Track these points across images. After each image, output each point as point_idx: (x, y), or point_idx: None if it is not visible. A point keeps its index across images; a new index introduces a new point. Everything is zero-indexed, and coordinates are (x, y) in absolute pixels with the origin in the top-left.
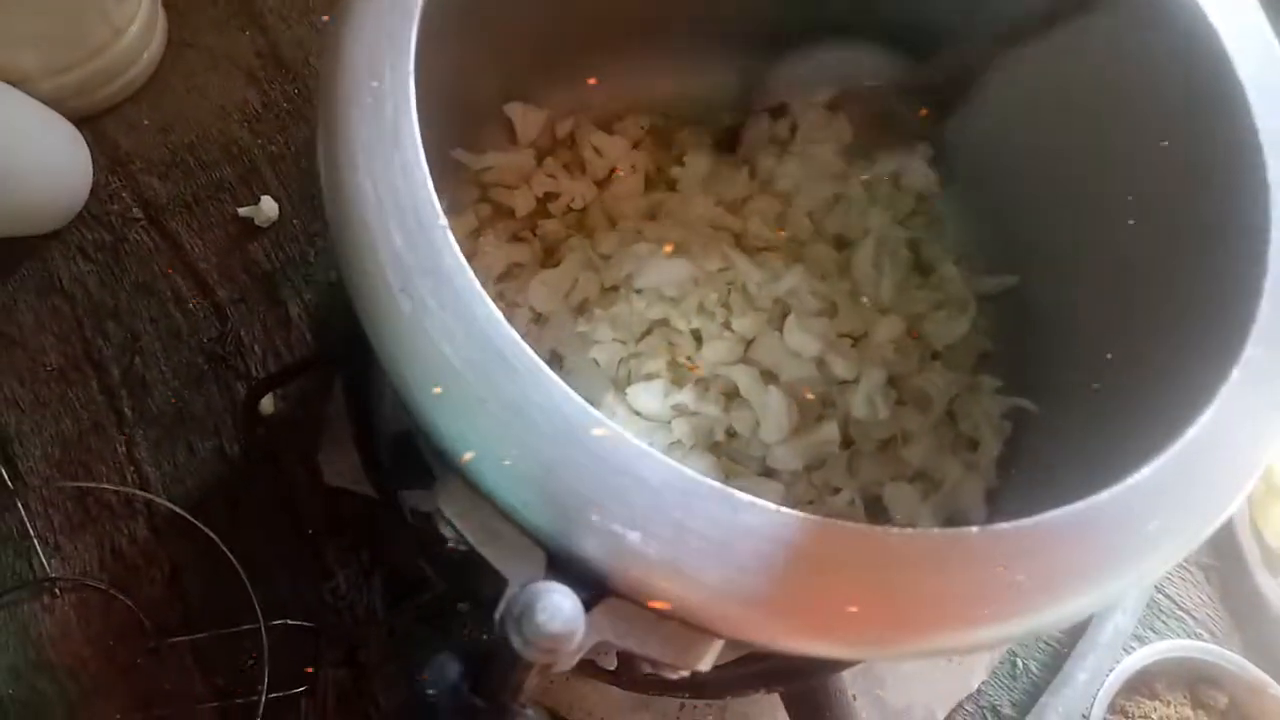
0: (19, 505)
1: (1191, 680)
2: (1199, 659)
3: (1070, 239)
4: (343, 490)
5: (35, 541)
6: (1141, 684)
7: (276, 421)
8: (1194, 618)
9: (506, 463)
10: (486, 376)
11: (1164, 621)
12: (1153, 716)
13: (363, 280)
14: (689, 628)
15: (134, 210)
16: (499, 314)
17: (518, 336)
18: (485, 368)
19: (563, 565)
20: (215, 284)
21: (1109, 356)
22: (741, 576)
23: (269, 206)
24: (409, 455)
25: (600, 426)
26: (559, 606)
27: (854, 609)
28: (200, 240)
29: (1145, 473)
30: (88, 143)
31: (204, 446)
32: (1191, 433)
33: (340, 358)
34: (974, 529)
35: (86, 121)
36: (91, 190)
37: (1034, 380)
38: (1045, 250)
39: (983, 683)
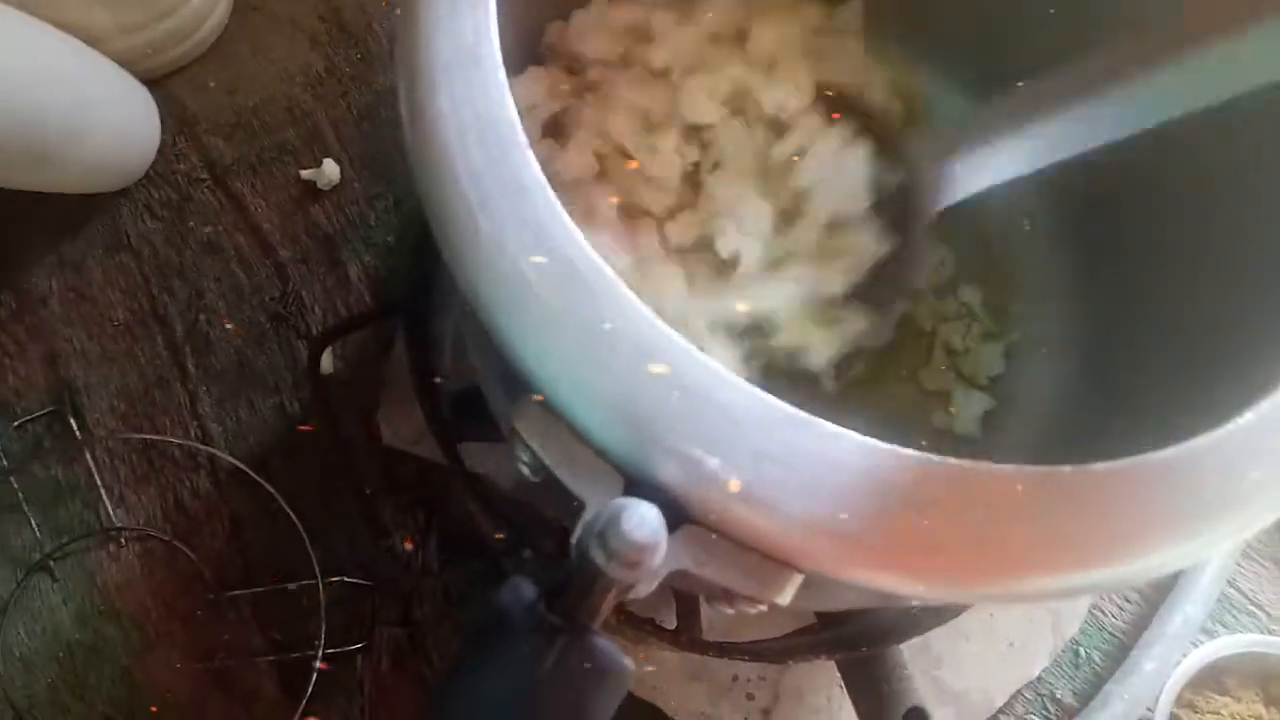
0: (87, 456)
1: (1265, 678)
2: (1274, 655)
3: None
4: (400, 451)
5: (102, 491)
6: (1211, 679)
7: (336, 381)
8: (1268, 614)
9: (584, 384)
10: (564, 296)
11: (1235, 616)
12: (1223, 713)
13: (442, 200)
14: (768, 559)
15: (200, 171)
16: (578, 233)
17: (596, 256)
18: (563, 287)
19: (641, 491)
20: (277, 244)
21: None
22: (823, 508)
23: (330, 169)
24: (473, 409)
25: (675, 350)
26: (645, 517)
27: (942, 547)
28: (264, 201)
29: (1248, 418)
30: (156, 103)
31: (265, 404)
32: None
33: (404, 311)
34: (1067, 469)
35: (155, 82)
36: (159, 150)
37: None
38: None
39: (1044, 670)
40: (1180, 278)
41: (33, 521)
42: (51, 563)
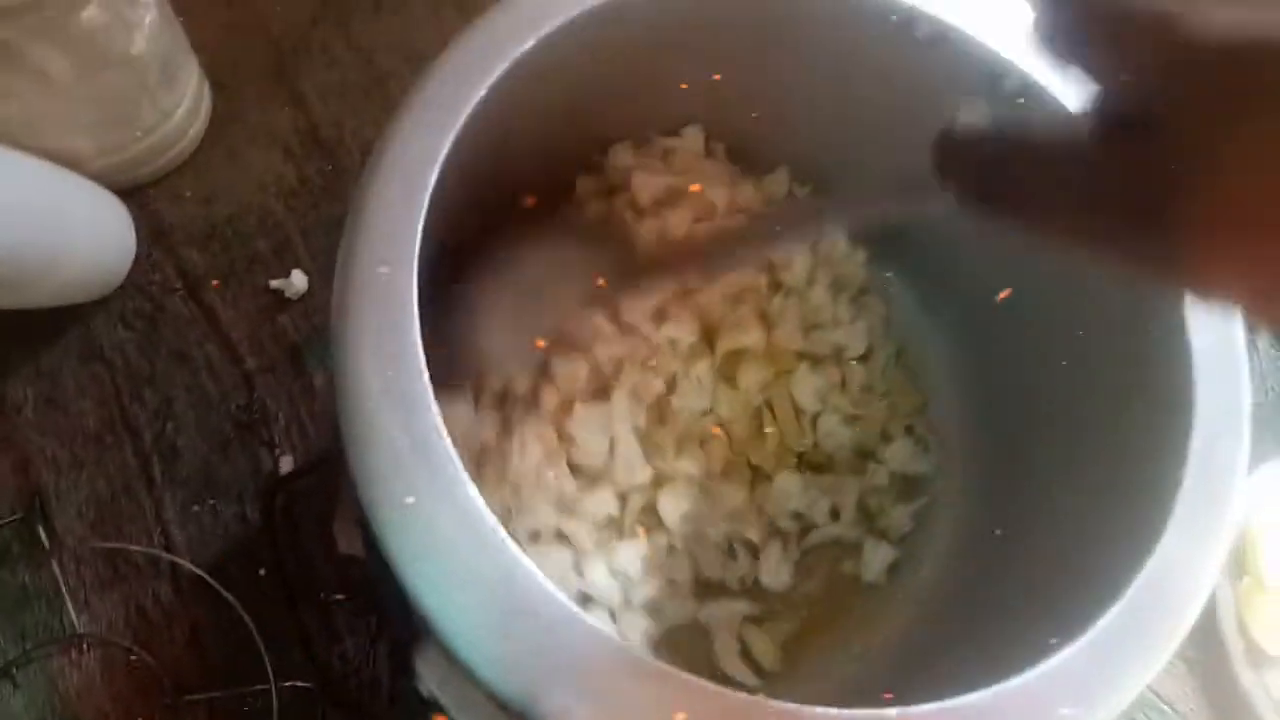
0: (53, 562)
1: None
2: None
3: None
4: (354, 557)
5: (67, 598)
6: None
7: (296, 489)
8: (1176, 710)
9: (477, 636)
10: (469, 560)
11: (1145, 714)
12: None
13: (362, 458)
14: None
15: (174, 281)
16: (482, 503)
17: (497, 523)
18: (468, 552)
19: None
20: (245, 353)
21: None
22: None
23: (299, 280)
24: None
25: (554, 604)
26: None
27: None
28: (234, 310)
29: (1062, 655)
30: (133, 214)
31: (227, 511)
32: (1103, 622)
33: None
34: (892, 711)
35: (132, 194)
36: (135, 260)
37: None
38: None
39: None
40: (1045, 493)
41: None
42: (14, 669)
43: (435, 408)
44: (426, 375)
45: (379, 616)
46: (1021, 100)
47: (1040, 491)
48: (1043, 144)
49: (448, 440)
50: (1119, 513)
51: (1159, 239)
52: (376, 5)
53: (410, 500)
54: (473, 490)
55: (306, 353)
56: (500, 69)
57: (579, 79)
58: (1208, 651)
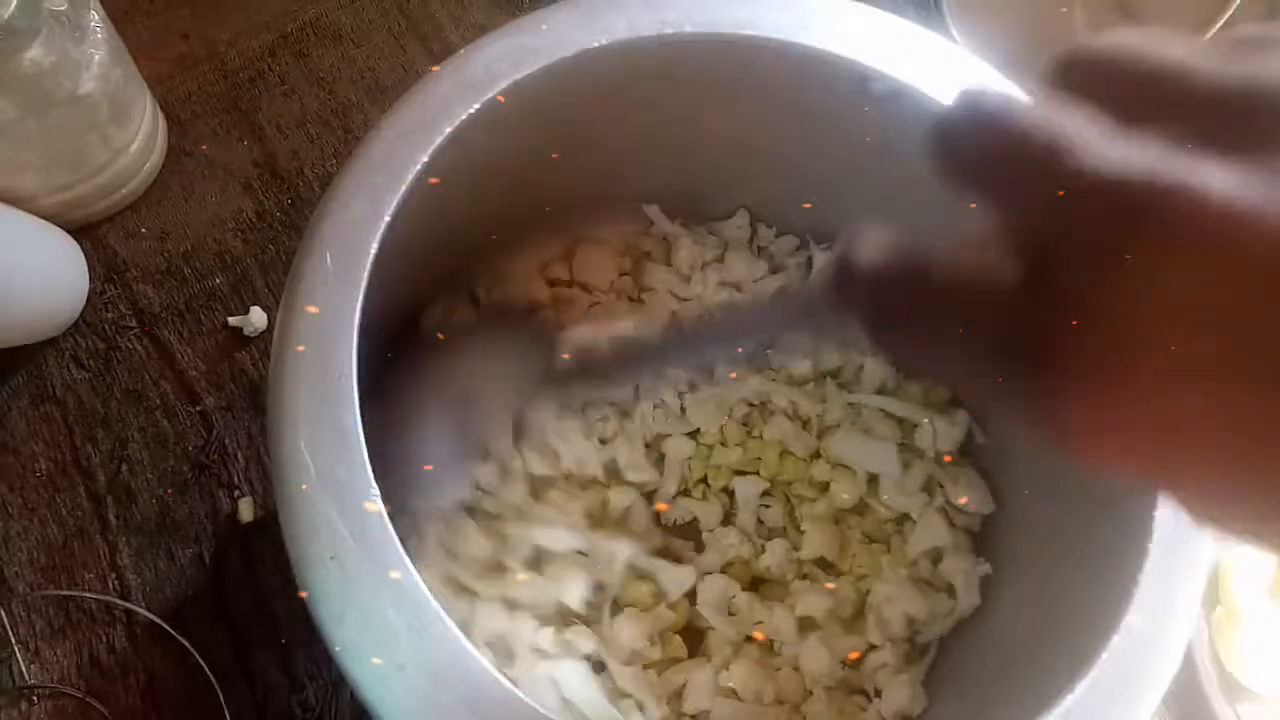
0: (2, 612)
1: None
2: None
3: None
4: None
5: (15, 648)
6: None
7: (255, 531)
8: None
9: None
10: (408, 645)
11: None
12: None
13: (299, 543)
14: None
15: (128, 318)
16: (424, 587)
17: (437, 606)
18: (407, 637)
19: None
20: (203, 392)
21: None
22: None
23: (258, 316)
24: None
25: (511, 701)
26: None
27: None
28: (190, 348)
29: None
30: (86, 251)
31: (184, 554)
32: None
33: None
34: None
35: (85, 230)
36: (88, 298)
37: None
38: None
39: None
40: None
41: None
42: None
43: (376, 491)
44: (365, 457)
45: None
46: None
47: (1015, 566)
48: (941, 276)
49: (389, 525)
50: (1088, 584)
51: (1041, 393)
52: (337, 35)
53: (345, 585)
54: (415, 575)
55: (265, 390)
56: (444, 132)
57: (525, 144)
58: (1183, 684)
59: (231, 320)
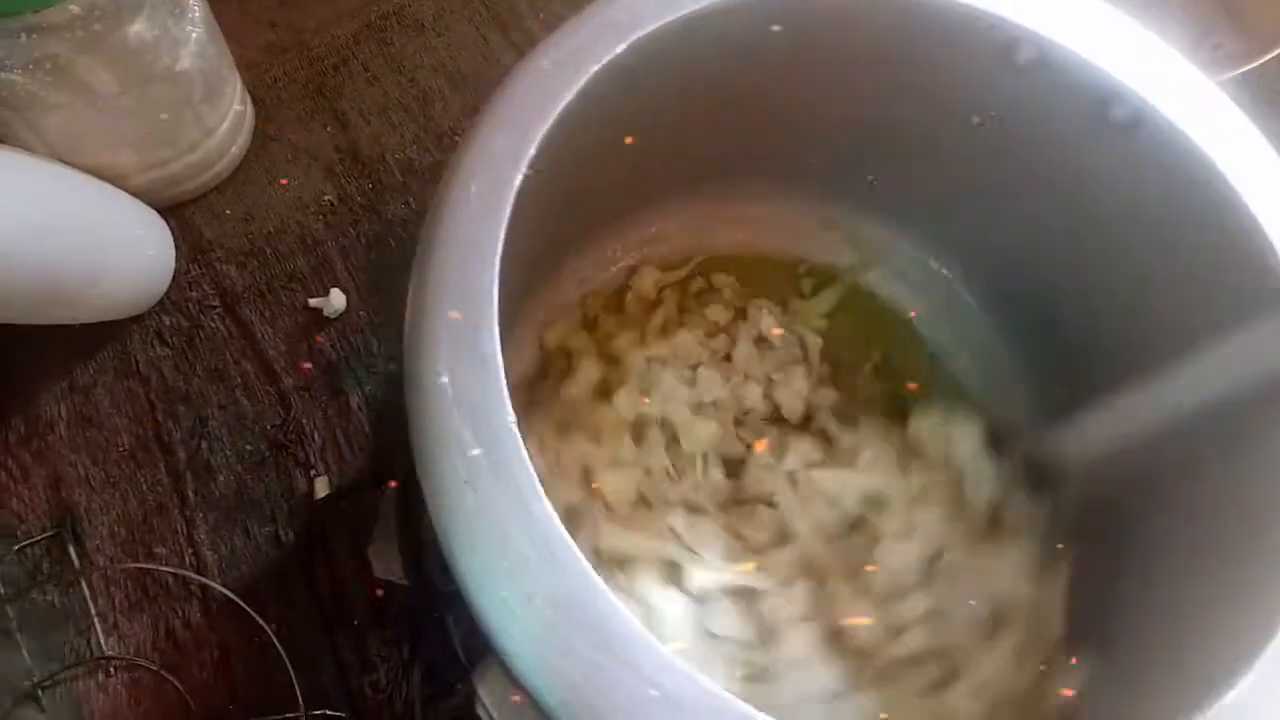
0: (83, 583)
1: None
2: None
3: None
4: (390, 583)
5: (95, 619)
6: None
7: (330, 511)
8: None
9: (545, 662)
10: (537, 574)
11: None
12: None
13: (433, 468)
14: None
15: (211, 298)
16: (555, 517)
17: (570, 540)
18: (537, 566)
19: None
20: (282, 372)
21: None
22: None
23: (337, 298)
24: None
25: (634, 635)
26: None
27: None
28: (271, 329)
29: None
30: (172, 230)
31: (260, 532)
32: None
33: (393, 470)
34: None
35: (173, 210)
36: (173, 276)
37: None
38: None
39: None
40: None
41: (24, 649)
42: (40, 691)
43: (512, 416)
44: (504, 380)
45: (413, 644)
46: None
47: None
48: None
49: (524, 451)
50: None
51: None
52: (419, 25)
53: (479, 511)
54: (547, 505)
55: (344, 372)
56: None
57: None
58: None
59: (312, 302)
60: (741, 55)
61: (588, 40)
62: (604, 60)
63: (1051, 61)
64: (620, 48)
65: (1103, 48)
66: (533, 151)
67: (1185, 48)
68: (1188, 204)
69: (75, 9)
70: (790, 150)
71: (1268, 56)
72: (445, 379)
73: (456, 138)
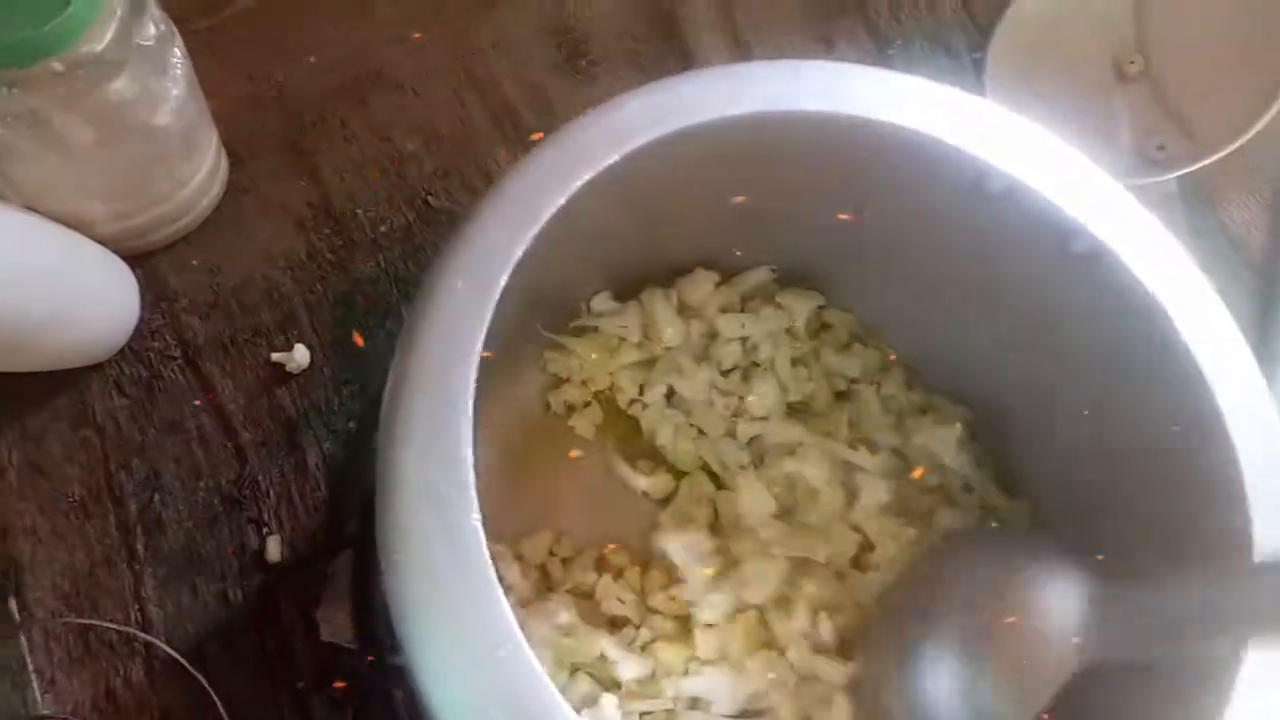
0: (22, 637)
1: None
2: None
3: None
4: (336, 645)
5: (32, 675)
6: None
7: (281, 571)
8: None
9: None
10: (490, 674)
11: None
12: None
13: (394, 554)
14: None
15: (173, 348)
16: (513, 618)
17: (525, 642)
18: (491, 667)
19: None
20: (240, 426)
21: None
22: None
23: (301, 354)
24: None
25: None
26: None
27: None
28: (231, 382)
29: None
30: (138, 280)
31: (208, 590)
32: None
33: (347, 532)
34: None
35: (140, 259)
36: (136, 325)
37: None
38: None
39: None
40: None
41: None
42: None
43: (477, 514)
44: (471, 478)
45: (357, 711)
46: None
47: None
48: None
49: (485, 551)
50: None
51: None
52: (398, 85)
53: (438, 605)
54: (505, 606)
55: (303, 429)
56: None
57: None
58: None
59: (275, 356)
60: (731, 167)
61: (583, 147)
62: (598, 168)
63: (1018, 195)
64: (614, 157)
65: (1063, 184)
66: (519, 253)
67: (1133, 150)
68: (1134, 332)
69: (58, 66)
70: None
71: (1208, 160)
72: (414, 470)
73: (429, 199)
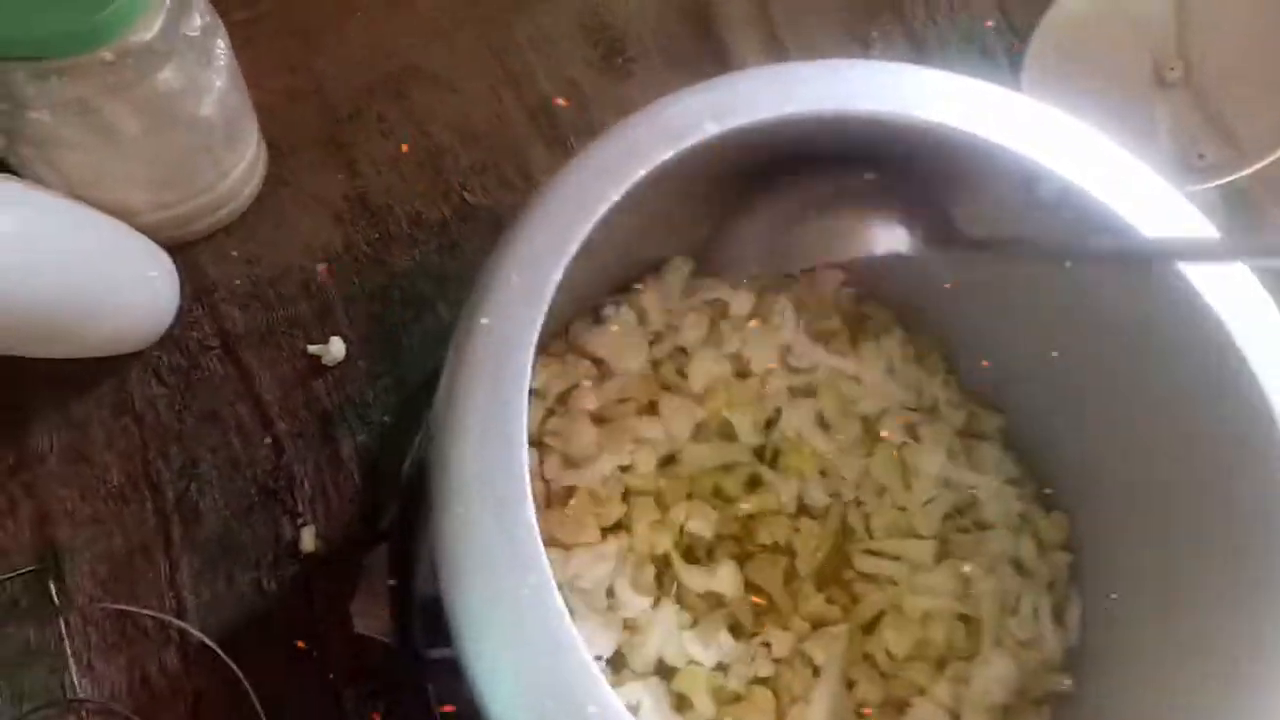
0: (60, 621)
1: None
2: None
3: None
4: (368, 638)
5: (70, 659)
6: None
7: (315, 562)
8: None
9: None
10: (540, 665)
11: None
12: None
13: (451, 553)
14: None
15: (211, 339)
16: (565, 611)
17: (576, 634)
18: (542, 656)
19: None
20: (276, 417)
21: None
22: None
23: (337, 347)
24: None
25: None
26: None
27: None
28: (269, 373)
29: None
30: (179, 269)
31: (243, 579)
32: None
33: (385, 531)
34: None
35: (180, 249)
36: (176, 315)
37: None
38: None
39: None
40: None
41: None
42: None
43: (531, 504)
44: (526, 472)
45: (389, 704)
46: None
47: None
48: None
49: (540, 547)
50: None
51: None
52: (435, 80)
53: (493, 600)
54: (558, 599)
55: (337, 421)
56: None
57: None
58: None
59: (311, 349)
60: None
61: (634, 144)
62: (651, 165)
63: (1072, 199)
64: (668, 154)
65: (1117, 187)
66: (574, 249)
67: (1173, 157)
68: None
69: (108, 55)
70: None
71: (1249, 169)
72: (471, 464)
73: (466, 194)
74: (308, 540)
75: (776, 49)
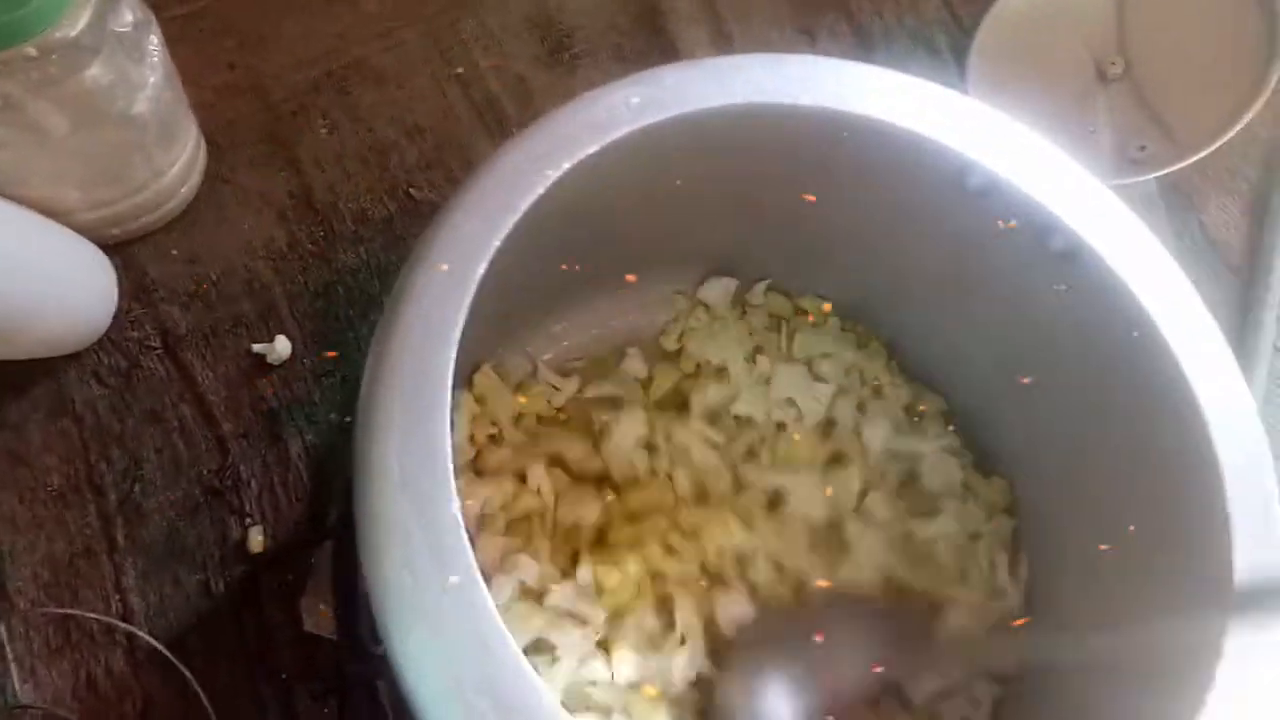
0: (2, 627)
1: None
2: None
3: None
4: (319, 636)
5: (12, 664)
6: None
7: (263, 562)
8: None
9: None
10: (470, 663)
11: None
12: None
13: (373, 546)
14: None
15: (152, 338)
16: (492, 604)
17: (503, 627)
18: (472, 655)
19: None
20: (221, 417)
21: None
22: None
23: (282, 345)
24: None
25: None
26: None
27: None
28: (212, 373)
29: None
30: (116, 269)
31: (190, 580)
32: None
33: (329, 523)
34: None
35: (118, 248)
36: (114, 315)
37: None
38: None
39: None
40: None
41: None
42: None
43: (456, 503)
44: (450, 468)
45: (340, 701)
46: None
47: None
48: None
49: (465, 539)
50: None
51: None
52: (380, 76)
53: (416, 594)
54: (484, 592)
55: (284, 420)
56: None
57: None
58: None
59: (255, 347)
60: (714, 158)
61: (564, 136)
62: (578, 157)
63: (999, 189)
64: (595, 147)
65: (1042, 180)
66: (499, 241)
67: (1114, 149)
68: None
69: (31, 51)
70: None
71: (1188, 161)
72: (393, 460)
73: (411, 190)
74: (255, 540)
75: (724, 44)
